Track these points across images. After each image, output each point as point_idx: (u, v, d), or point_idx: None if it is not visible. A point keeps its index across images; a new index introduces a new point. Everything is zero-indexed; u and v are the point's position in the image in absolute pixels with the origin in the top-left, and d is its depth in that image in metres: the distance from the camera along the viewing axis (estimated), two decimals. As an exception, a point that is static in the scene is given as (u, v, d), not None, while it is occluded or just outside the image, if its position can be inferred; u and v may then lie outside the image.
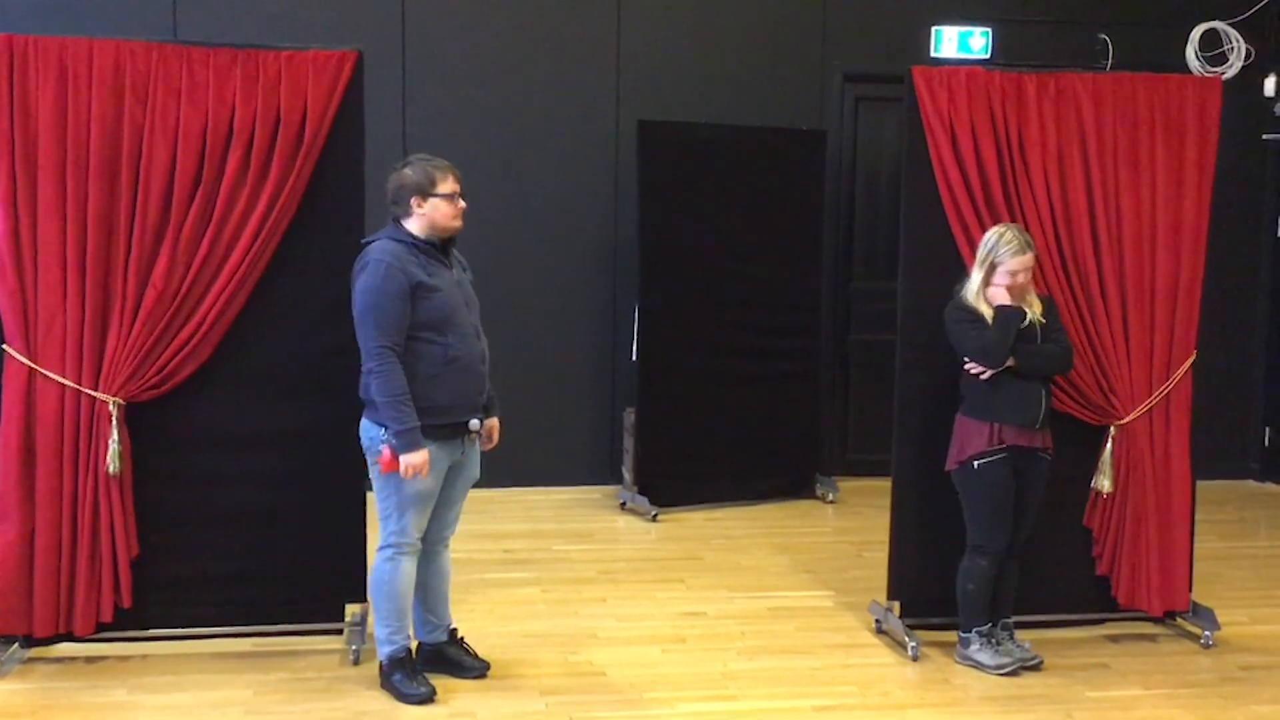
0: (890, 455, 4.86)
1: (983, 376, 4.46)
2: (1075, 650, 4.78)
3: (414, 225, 4.09)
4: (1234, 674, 4.66)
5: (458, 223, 4.14)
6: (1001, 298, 4.43)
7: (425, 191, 4.06)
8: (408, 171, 4.09)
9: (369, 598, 4.30)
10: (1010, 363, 4.42)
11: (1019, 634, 4.67)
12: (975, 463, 4.50)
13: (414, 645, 4.34)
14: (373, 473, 4.14)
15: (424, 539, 4.24)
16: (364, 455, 4.19)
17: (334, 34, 6.26)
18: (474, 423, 4.14)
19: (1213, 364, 5.23)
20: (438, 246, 4.12)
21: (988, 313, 4.44)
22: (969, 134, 4.66)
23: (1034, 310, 4.48)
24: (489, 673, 4.40)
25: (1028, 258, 4.42)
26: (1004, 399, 4.46)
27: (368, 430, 4.13)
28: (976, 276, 4.48)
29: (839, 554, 6.09)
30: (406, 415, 3.96)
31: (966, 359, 4.49)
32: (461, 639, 4.46)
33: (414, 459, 3.97)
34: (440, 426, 4.05)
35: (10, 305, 4.28)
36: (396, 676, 4.21)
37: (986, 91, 4.69)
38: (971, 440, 4.51)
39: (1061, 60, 7.04)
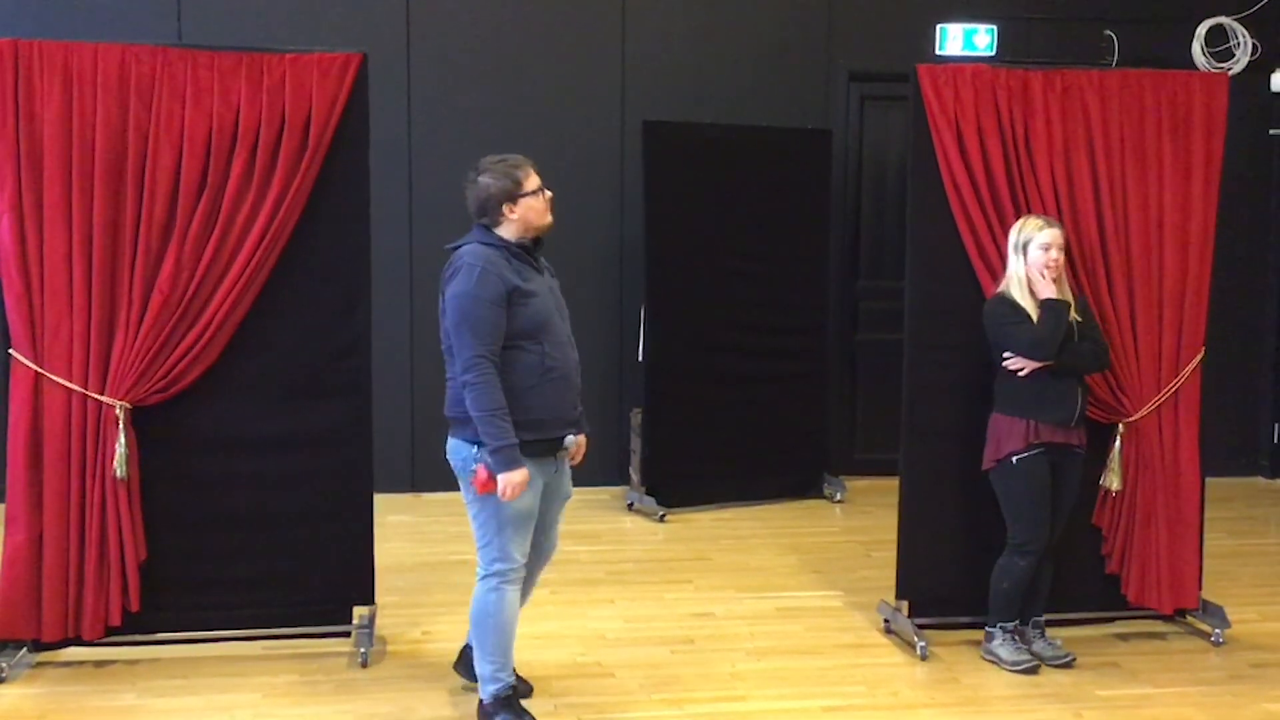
0: (898, 455, 4.85)
1: (1022, 373, 4.44)
2: (1085, 649, 4.76)
3: (507, 230, 3.89)
4: (1244, 672, 4.65)
5: (549, 217, 3.95)
6: (1046, 289, 4.42)
7: (513, 195, 3.86)
8: (487, 180, 3.87)
9: (470, 632, 4.05)
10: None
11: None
12: (1014, 459, 4.48)
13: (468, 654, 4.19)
14: (467, 496, 3.91)
15: None
16: (455, 476, 3.95)
17: (338, 36, 6.27)
18: (569, 438, 3.95)
19: (1221, 360, 5.21)
20: (529, 249, 3.93)
21: (1031, 307, 4.43)
22: (975, 132, 4.65)
23: (1070, 307, 4.48)
24: (531, 694, 4.24)
25: (1055, 231, 4.45)
26: (1041, 397, 4.45)
27: (458, 450, 3.89)
28: (1015, 265, 4.48)
29: (847, 554, 6.08)
30: (504, 430, 3.72)
31: (1006, 355, 4.47)
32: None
33: (514, 477, 3.73)
34: (536, 442, 3.83)
35: (17, 310, 4.29)
36: (501, 717, 3.96)
37: (992, 89, 4.68)
38: (1009, 438, 4.49)
39: (1067, 57, 7.03)
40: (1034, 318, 4.42)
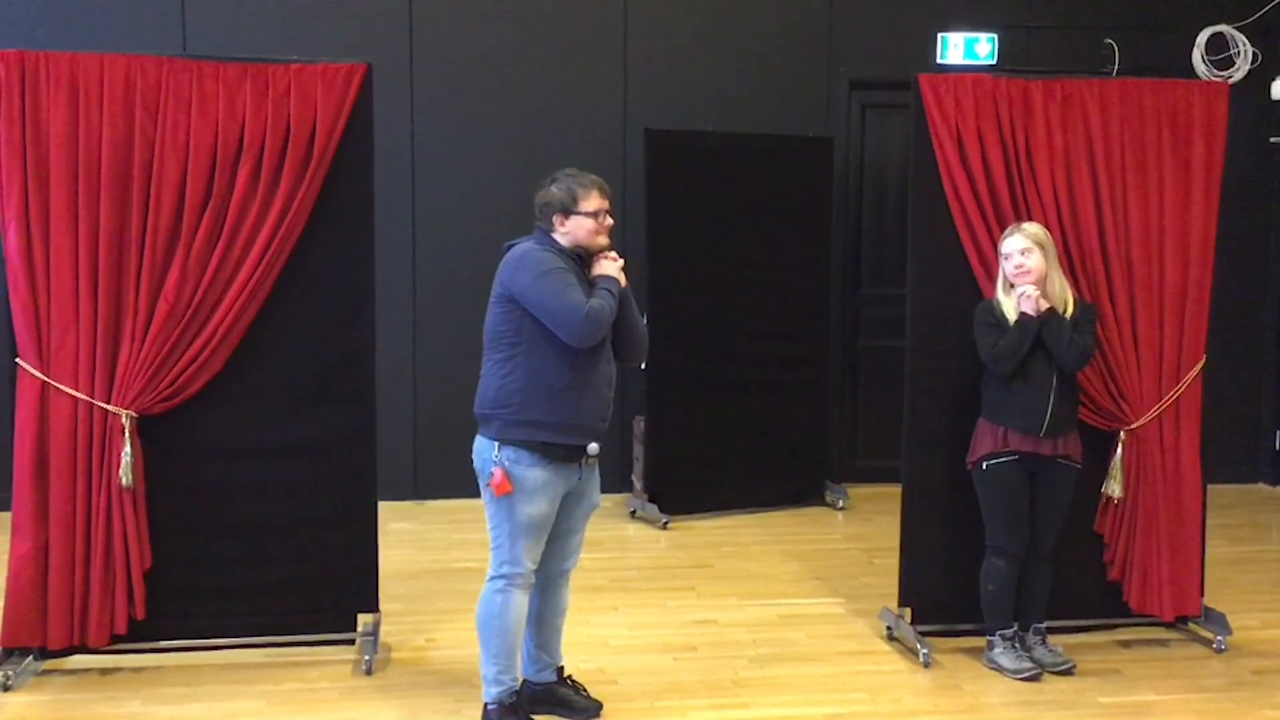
0: (900, 462, 4.87)
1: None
2: (1087, 655, 4.78)
3: (560, 239, 3.96)
4: (1246, 678, 4.66)
5: (602, 239, 3.97)
6: (1026, 301, 4.42)
7: (568, 209, 3.92)
8: (554, 189, 3.95)
9: (478, 633, 4.03)
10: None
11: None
12: (984, 464, 4.54)
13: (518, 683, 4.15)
14: (485, 496, 3.95)
15: (543, 570, 4.05)
16: (475, 477, 3.99)
17: (343, 47, 6.30)
18: (593, 447, 3.97)
19: (1222, 368, 5.23)
20: (582, 259, 3.98)
21: (1011, 314, 4.47)
22: (976, 140, 4.67)
23: (1066, 309, 4.48)
24: (601, 713, 4.21)
25: (1014, 238, 4.47)
26: (1011, 404, 4.49)
27: (482, 450, 3.94)
28: (1001, 271, 4.55)
29: (849, 561, 6.10)
30: (610, 292, 3.89)
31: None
32: (569, 677, 4.27)
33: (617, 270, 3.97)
34: (557, 446, 3.87)
35: (23, 319, 4.31)
36: None
37: (993, 98, 4.70)
38: (982, 442, 4.56)
39: (1068, 66, 7.05)
40: (1010, 322, 4.46)
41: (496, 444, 3.90)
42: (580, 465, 3.99)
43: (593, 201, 3.94)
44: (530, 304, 3.85)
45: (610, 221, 4.00)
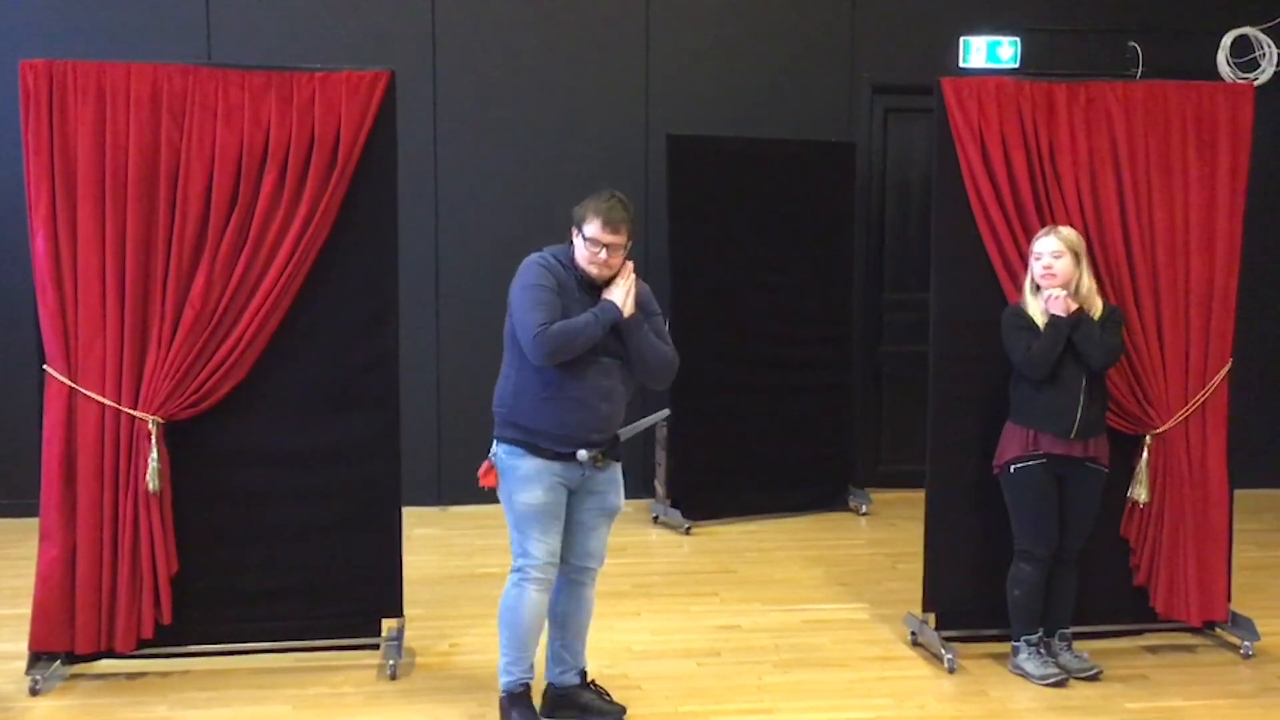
0: (924, 467, 4.85)
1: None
2: (1114, 661, 4.75)
3: (576, 253, 4.00)
4: (1274, 684, 4.62)
5: (594, 269, 3.92)
6: (1055, 303, 4.41)
7: (578, 226, 3.95)
8: (583, 203, 3.97)
9: (499, 626, 4.11)
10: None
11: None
12: (1012, 467, 4.52)
13: (542, 685, 4.23)
14: (500, 494, 4.06)
15: (564, 567, 4.07)
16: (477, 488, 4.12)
17: (366, 55, 6.32)
18: (581, 453, 3.94)
19: (1249, 371, 5.20)
20: (588, 281, 3.96)
21: (1039, 315, 4.46)
22: (999, 144, 4.66)
23: (1095, 313, 4.47)
24: (624, 717, 4.22)
25: (1046, 239, 4.46)
26: (1041, 406, 4.47)
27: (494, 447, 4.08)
28: (1028, 274, 4.54)
29: (873, 566, 6.08)
30: (589, 319, 3.85)
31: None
32: (593, 682, 4.29)
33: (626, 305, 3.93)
34: (544, 449, 3.94)
35: (51, 326, 4.35)
36: (513, 715, 4.08)
37: (1016, 101, 4.68)
38: (1010, 445, 4.55)
39: (1091, 69, 7.02)
40: (1040, 325, 4.45)
41: (495, 440, 4.04)
42: (580, 466, 4.00)
43: (591, 228, 3.92)
44: (514, 313, 3.95)
45: (604, 257, 3.92)
